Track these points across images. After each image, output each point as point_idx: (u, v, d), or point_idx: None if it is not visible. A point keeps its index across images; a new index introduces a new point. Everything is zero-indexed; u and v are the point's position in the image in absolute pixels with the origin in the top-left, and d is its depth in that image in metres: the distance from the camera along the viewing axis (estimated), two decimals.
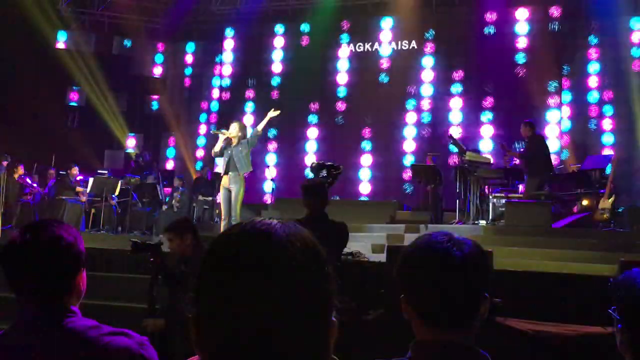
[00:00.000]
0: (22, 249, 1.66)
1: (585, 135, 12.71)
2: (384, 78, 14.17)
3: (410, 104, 13.90)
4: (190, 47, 16.36)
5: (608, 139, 12.47)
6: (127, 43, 16.15)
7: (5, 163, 11.37)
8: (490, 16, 13.53)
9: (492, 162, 10.82)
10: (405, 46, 14.12)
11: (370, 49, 14.46)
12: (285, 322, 0.83)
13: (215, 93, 15.92)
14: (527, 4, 13.32)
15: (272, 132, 14.70)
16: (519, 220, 8.85)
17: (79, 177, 12.08)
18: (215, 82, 15.94)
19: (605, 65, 12.63)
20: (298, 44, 14.91)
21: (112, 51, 16.03)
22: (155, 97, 16.16)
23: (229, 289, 0.84)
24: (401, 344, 1.47)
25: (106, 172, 13.13)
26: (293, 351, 0.84)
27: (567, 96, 12.94)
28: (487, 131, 13.26)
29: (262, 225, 0.90)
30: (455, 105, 13.56)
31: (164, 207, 12.50)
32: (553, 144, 12.22)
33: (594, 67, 12.71)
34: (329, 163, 9.26)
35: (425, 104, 13.83)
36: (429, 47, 13.90)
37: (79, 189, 11.78)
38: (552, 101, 12.77)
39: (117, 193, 11.69)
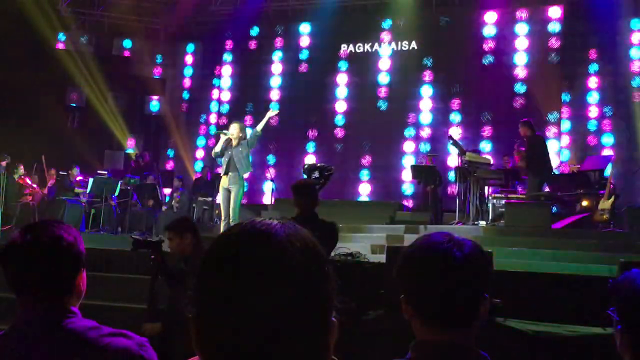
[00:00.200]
0: (23, 249, 1.66)
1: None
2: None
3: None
4: (190, 47, 16.37)
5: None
6: (127, 44, 16.17)
7: (4, 163, 11.38)
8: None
9: (491, 162, 10.82)
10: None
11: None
12: (285, 323, 0.83)
13: (215, 93, 15.92)
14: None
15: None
16: (518, 221, 8.85)
17: (79, 178, 12.09)
18: (216, 82, 15.96)
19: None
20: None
21: (112, 52, 16.04)
22: (155, 97, 16.17)
23: (228, 289, 0.84)
24: (401, 344, 1.47)
25: (106, 172, 13.13)
26: (293, 352, 0.84)
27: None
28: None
29: (261, 225, 0.90)
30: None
31: (164, 208, 12.51)
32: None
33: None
34: (320, 165, 9.35)
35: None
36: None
37: (78, 189, 11.78)
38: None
39: (116, 193, 11.70)
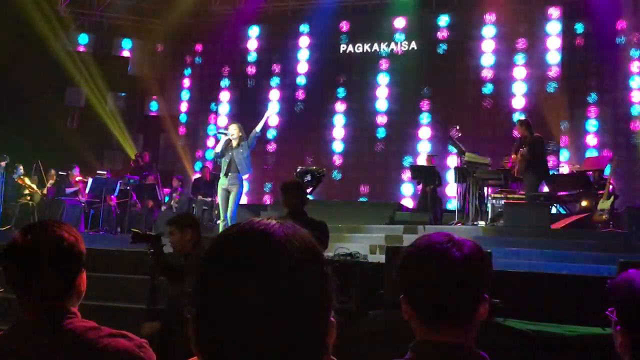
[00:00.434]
0: (24, 249, 1.66)
1: None
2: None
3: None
4: (191, 47, 16.34)
5: None
6: (126, 44, 16.15)
7: (4, 164, 11.37)
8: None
9: (490, 163, 10.78)
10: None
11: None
12: (284, 323, 0.83)
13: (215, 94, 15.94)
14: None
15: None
16: (518, 221, 8.84)
17: (78, 178, 12.08)
18: (216, 83, 15.95)
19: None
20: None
21: (111, 52, 16.03)
22: (155, 97, 16.16)
23: (228, 289, 0.84)
24: (401, 344, 1.47)
25: (105, 172, 13.13)
26: (292, 351, 0.84)
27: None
28: None
29: (260, 225, 0.90)
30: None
31: (163, 208, 12.51)
32: None
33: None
34: (312, 168, 9.50)
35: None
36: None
37: (77, 189, 11.77)
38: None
39: (116, 193, 11.69)
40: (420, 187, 11.81)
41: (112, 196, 11.75)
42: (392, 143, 14.19)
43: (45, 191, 12.13)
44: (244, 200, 10.40)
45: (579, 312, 4.73)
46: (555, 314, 4.86)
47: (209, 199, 12.35)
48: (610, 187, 9.51)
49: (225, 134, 8.15)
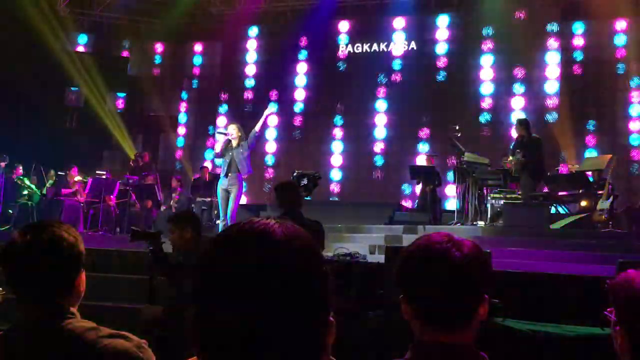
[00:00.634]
0: (23, 249, 1.66)
1: None
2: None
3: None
4: (190, 47, 16.34)
5: None
6: (126, 44, 16.14)
7: (3, 164, 11.37)
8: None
9: (490, 163, 10.78)
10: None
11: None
12: (283, 322, 0.83)
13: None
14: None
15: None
16: (517, 221, 8.84)
17: (77, 178, 12.07)
18: (216, 83, 15.95)
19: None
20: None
21: (111, 52, 16.02)
22: (154, 97, 16.15)
23: (227, 289, 0.84)
24: (400, 344, 1.47)
25: (104, 172, 13.12)
26: (291, 351, 0.84)
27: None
28: None
29: (259, 225, 0.90)
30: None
31: (162, 208, 12.50)
32: None
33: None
34: (309, 172, 9.60)
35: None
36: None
37: (77, 189, 11.76)
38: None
39: (115, 194, 11.68)
40: (419, 187, 11.82)
41: (112, 196, 11.73)
42: (392, 143, 14.20)
43: (44, 191, 12.12)
44: (243, 200, 10.39)
45: (578, 312, 4.73)
46: (554, 314, 4.86)
47: (208, 199, 12.34)
48: (610, 187, 9.51)
49: (224, 134, 8.15)
